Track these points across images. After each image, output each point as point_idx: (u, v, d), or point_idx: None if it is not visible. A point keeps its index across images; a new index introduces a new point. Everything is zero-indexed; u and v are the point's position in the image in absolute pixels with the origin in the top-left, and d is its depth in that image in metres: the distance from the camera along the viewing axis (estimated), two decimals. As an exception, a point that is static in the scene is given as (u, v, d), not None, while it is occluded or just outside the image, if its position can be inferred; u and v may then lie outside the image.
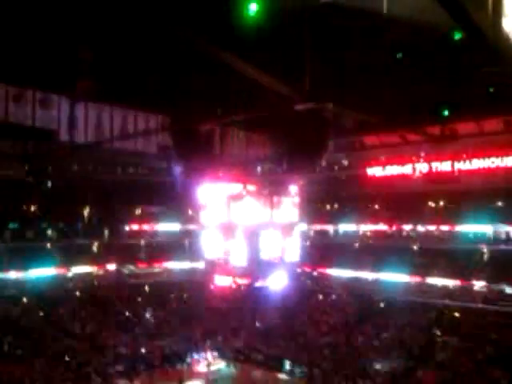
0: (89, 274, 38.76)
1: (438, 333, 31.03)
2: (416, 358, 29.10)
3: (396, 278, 35.11)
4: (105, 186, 35.71)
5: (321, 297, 38.46)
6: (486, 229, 33.07)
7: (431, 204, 36.36)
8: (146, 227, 42.23)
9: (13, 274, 34.53)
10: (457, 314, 31.72)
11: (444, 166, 31.36)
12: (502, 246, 31.80)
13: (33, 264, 35.29)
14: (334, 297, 38.11)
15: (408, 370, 27.91)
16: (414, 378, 27.04)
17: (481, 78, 18.48)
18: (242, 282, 36.78)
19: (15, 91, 18.19)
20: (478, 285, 31.71)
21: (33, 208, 37.80)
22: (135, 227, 41.82)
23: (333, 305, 37.50)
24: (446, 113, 20.50)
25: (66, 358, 29.32)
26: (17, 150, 28.33)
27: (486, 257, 32.98)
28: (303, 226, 38.57)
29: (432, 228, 35.50)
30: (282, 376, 30.52)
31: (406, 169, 33.01)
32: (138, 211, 42.42)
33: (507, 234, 32.47)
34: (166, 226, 42.60)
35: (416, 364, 28.39)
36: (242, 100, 18.21)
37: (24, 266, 34.87)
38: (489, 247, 32.54)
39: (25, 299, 34.10)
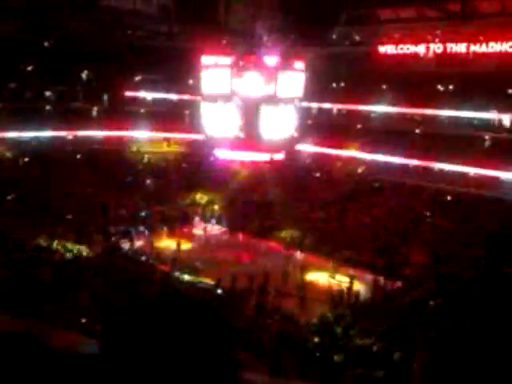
0: (89, 139, 38.91)
1: (428, 214, 31.99)
2: (402, 235, 30.34)
3: (393, 159, 35.35)
4: (103, 49, 34.11)
5: (318, 175, 38.96)
6: (491, 116, 32.48)
7: (441, 87, 35.11)
8: (145, 95, 41.38)
9: (12, 135, 34.64)
10: (449, 198, 32.42)
11: (459, 48, 29.74)
12: (504, 134, 31.56)
13: (32, 126, 35.31)
14: (330, 175, 38.61)
15: (393, 246, 29.24)
16: (399, 254, 28.37)
17: None
18: (241, 155, 37.41)
19: None
20: (474, 171, 32.05)
21: (31, 68, 36.56)
22: (135, 94, 41.00)
23: (328, 183, 38.13)
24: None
25: (68, 217, 30.37)
26: (12, 3, 26.45)
27: (486, 144, 32.92)
28: (307, 103, 37.83)
29: (437, 112, 34.81)
30: (274, 243, 31.98)
31: (420, 48, 31.36)
32: (138, 78, 41.10)
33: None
34: (166, 95, 41.69)
35: (401, 241, 29.68)
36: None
37: (23, 128, 34.91)
38: (491, 135, 32.26)
39: (26, 159, 34.52)
